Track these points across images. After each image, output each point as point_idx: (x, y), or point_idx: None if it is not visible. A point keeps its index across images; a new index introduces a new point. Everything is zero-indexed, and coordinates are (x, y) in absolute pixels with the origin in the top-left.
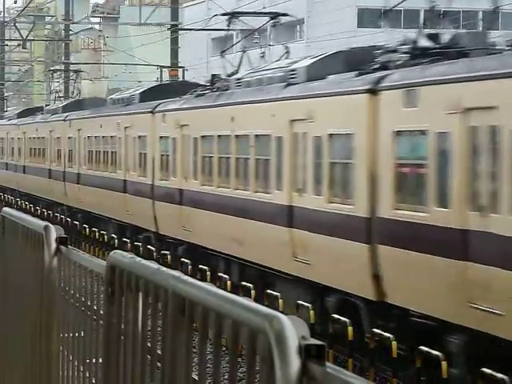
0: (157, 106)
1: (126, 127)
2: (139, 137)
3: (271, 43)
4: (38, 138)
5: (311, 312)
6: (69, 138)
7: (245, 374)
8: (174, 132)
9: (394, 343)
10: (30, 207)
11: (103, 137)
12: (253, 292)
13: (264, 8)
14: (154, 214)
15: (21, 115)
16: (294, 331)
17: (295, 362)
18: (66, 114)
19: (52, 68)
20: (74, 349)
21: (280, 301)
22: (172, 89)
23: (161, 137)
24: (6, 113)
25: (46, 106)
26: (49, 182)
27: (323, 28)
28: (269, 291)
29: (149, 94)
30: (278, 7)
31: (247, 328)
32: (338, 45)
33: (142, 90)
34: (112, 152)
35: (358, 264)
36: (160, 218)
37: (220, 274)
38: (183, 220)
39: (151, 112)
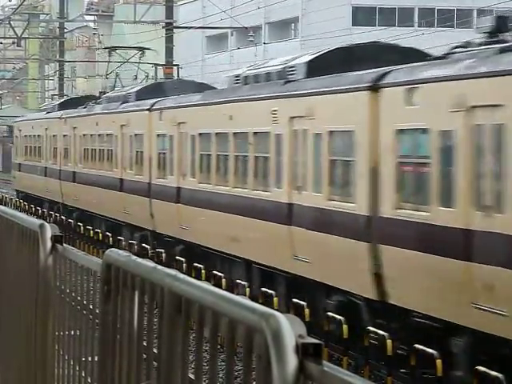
0: (381, 77)
1: (291, 117)
2: (319, 134)
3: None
4: (99, 135)
5: (306, 310)
6: (158, 135)
7: (240, 373)
8: (455, 121)
9: (389, 341)
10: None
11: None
12: (247, 290)
13: (259, 8)
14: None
15: (64, 106)
16: (290, 330)
17: (292, 361)
18: (149, 102)
19: (109, 46)
20: (69, 347)
21: (275, 299)
22: (359, 54)
23: (400, 130)
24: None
25: (101, 92)
26: (119, 197)
27: (318, 26)
28: (264, 289)
29: (320, 65)
30: (273, 6)
31: (244, 326)
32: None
33: (309, 58)
34: (260, 157)
35: None
36: None
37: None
38: None
39: (370, 88)
